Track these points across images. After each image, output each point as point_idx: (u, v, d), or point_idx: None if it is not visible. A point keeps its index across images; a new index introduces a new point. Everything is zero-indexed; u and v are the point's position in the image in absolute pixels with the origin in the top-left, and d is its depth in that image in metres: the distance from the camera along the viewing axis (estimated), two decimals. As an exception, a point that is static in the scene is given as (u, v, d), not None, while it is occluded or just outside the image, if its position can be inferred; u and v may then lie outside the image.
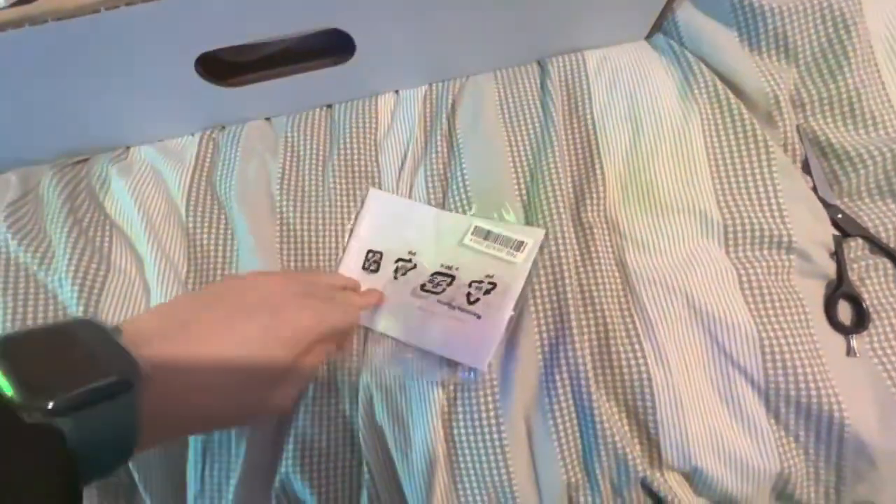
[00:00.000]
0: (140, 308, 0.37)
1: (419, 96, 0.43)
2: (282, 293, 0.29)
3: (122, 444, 0.21)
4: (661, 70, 0.40)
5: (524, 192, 0.38)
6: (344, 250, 0.39)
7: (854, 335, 0.33)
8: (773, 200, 0.35)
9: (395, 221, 0.39)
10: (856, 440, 0.30)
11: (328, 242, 0.39)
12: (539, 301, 0.35)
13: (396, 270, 0.37)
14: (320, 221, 0.39)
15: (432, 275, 0.37)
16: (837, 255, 0.35)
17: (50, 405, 0.18)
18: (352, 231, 0.39)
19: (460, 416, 0.33)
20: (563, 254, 0.35)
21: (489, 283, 0.35)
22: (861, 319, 0.33)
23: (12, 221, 0.37)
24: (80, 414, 0.18)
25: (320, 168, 0.41)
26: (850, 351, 0.33)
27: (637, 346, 0.33)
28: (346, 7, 0.33)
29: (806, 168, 0.38)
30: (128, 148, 0.43)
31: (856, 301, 0.34)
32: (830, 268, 0.35)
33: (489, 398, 0.33)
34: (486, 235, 0.36)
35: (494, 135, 0.40)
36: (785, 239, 0.34)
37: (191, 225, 0.39)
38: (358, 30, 0.35)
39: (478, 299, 0.35)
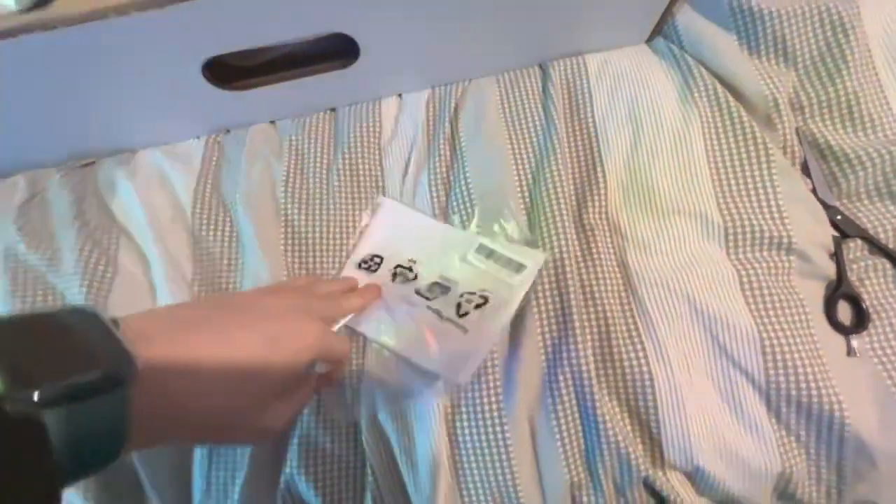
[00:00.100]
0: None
1: (422, 100, 0.43)
2: (285, 308, 0.29)
3: (111, 440, 0.19)
4: (662, 73, 0.41)
5: (526, 194, 0.39)
6: (348, 254, 0.39)
7: (854, 335, 0.33)
8: (772, 202, 0.36)
9: (403, 232, 0.39)
10: (856, 440, 0.31)
11: (332, 245, 0.39)
12: (542, 302, 0.35)
13: (395, 275, 0.38)
14: (324, 224, 0.40)
15: (429, 284, 0.37)
16: (837, 256, 0.35)
17: (35, 396, 0.17)
18: (360, 234, 0.40)
19: (464, 417, 0.33)
20: (565, 255, 0.35)
21: (481, 296, 0.35)
22: (861, 320, 0.34)
23: (21, 224, 0.38)
24: (68, 406, 0.17)
25: (324, 171, 0.41)
26: (850, 351, 0.33)
27: (639, 347, 0.33)
28: (351, 12, 0.33)
29: (805, 170, 0.38)
30: (134, 151, 0.43)
31: (855, 301, 0.34)
32: (830, 268, 0.35)
33: (492, 398, 0.33)
34: (489, 254, 0.37)
35: (496, 137, 0.40)
36: (785, 240, 0.35)
37: (196, 227, 0.39)
38: (362, 34, 0.35)
39: (467, 313, 0.35)
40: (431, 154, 0.41)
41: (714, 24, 0.40)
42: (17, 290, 0.37)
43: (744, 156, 0.37)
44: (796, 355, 0.32)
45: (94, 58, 0.32)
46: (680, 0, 0.39)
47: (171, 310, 0.28)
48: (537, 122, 0.41)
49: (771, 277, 0.34)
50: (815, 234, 0.36)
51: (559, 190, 0.37)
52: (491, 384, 0.33)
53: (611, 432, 0.31)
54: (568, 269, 0.35)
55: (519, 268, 0.36)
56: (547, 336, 0.34)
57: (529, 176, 0.39)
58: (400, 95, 0.44)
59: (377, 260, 0.39)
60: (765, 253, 0.35)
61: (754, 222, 0.35)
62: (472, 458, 0.32)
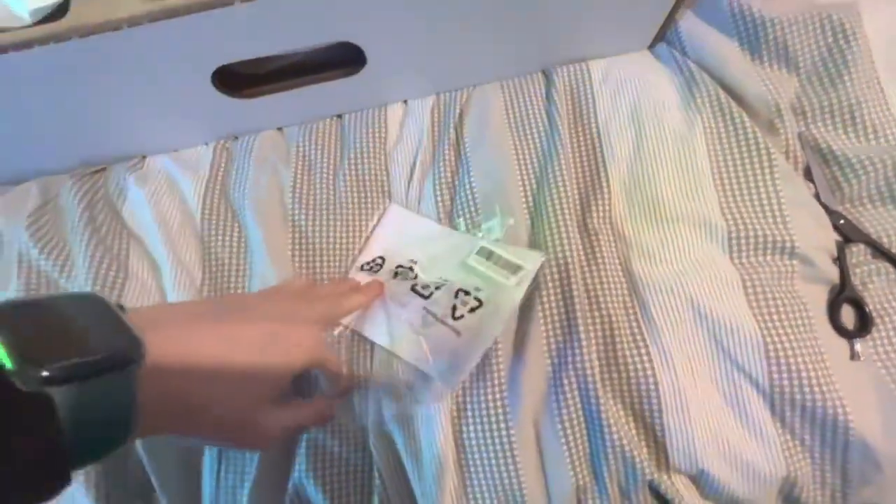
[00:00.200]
0: (156, 314, 0.38)
1: (427, 106, 0.43)
2: (286, 310, 0.30)
3: (119, 423, 0.20)
4: (665, 79, 0.41)
5: (530, 199, 0.39)
6: (354, 259, 0.40)
7: (857, 339, 0.33)
8: (775, 207, 0.36)
9: (407, 236, 0.40)
10: (860, 443, 0.31)
11: (340, 249, 0.40)
12: (546, 306, 0.35)
13: (396, 274, 0.38)
14: (332, 229, 0.40)
15: (427, 286, 0.37)
16: (840, 261, 0.36)
17: (44, 373, 0.17)
18: (367, 239, 0.40)
19: (469, 420, 0.33)
20: (569, 259, 0.36)
21: (475, 298, 0.35)
22: (864, 323, 0.34)
23: (34, 230, 0.38)
24: (76, 386, 0.18)
25: (331, 177, 0.42)
26: (853, 355, 0.33)
27: (643, 351, 0.33)
28: (358, 21, 0.34)
29: (808, 175, 0.38)
30: (144, 157, 0.44)
31: (859, 305, 0.34)
32: (833, 273, 0.36)
33: (498, 402, 0.33)
34: (489, 256, 0.37)
35: (501, 143, 0.41)
36: (788, 245, 0.35)
37: (205, 233, 0.40)
38: (369, 43, 0.36)
39: (462, 315, 0.35)
40: (436, 159, 0.41)
41: (716, 31, 0.40)
42: (29, 295, 0.37)
43: (746, 161, 0.37)
44: (800, 359, 0.32)
45: (106, 67, 0.33)
46: (682, 6, 0.40)
47: (175, 304, 0.29)
48: (541, 128, 0.41)
49: (774, 282, 0.35)
50: (818, 238, 0.36)
51: (563, 195, 0.38)
52: (496, 388, 0.33)
53: (616, 436, 0.32)
54: (572, 273, 0.35)
55: (516, 269, 0.36)
56: (552, 340, 0.35)
57: (533, 181, 0.40)
58: (405, 102, 0.44)
59: (378, 261, 0.39)
60: (768, 257, 0.35)
61: (757, 227, 0.35)
62: (478, 461, 0.33)
